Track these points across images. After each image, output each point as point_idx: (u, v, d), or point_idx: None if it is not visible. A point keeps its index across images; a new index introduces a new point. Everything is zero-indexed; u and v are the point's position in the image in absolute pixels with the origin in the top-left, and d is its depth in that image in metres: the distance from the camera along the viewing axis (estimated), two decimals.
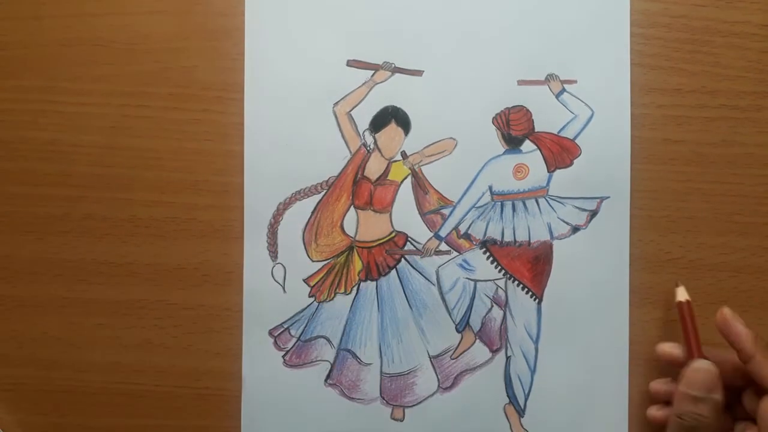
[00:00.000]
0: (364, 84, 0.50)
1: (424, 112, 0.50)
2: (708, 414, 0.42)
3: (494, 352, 0.50)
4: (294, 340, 0.51)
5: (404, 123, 0.50)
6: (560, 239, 0.50)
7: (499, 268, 0.50)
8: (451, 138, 0.50)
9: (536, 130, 0.50)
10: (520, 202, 0.50)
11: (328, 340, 0.51)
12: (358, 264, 0.51)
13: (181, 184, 0.51)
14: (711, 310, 0.50)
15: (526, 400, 0.50)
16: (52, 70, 0.50)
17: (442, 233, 0.50)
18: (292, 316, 0.51)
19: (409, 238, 0.51)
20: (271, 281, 0.50)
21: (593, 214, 0.50)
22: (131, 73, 0.50)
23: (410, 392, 0.50)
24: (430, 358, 0.51)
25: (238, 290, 0.50)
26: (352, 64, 0.50)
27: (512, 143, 0.50)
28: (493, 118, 0.50)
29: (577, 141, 0.50)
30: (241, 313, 0.50)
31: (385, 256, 0.51)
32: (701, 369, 0.43)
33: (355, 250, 0.51)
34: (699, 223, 0.50)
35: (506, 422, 0.50)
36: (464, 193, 0.50)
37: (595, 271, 0.50)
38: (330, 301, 0.51)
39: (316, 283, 0.51)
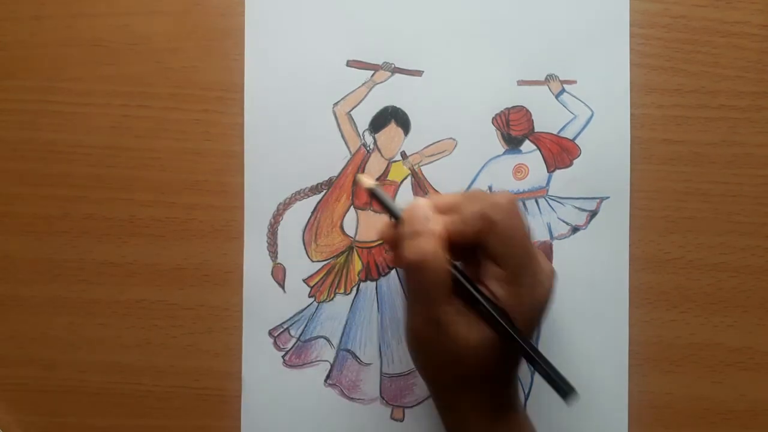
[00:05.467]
0: (363, 84, 0.50)
1: (423, 112, 0.50)
2: (430, 247, 0.38)
3: None
4: (294, 340, 0.51)
5: (404, 123, 0.50)
6: (560, 239, 0.50)
7: None
8: (450, 138, 0.50)
9: (536, 131, 0.50)
10: (519, 203, 0.50)
11: (328, 341, 0.51)
12: (357, 264, 0.51)
13: (181, 184, 0.51)
14: (711, 311, 0.50)
15: (525, 400, 0.50)
16: (52, 70, 0.51)
17: None
18: (292, 317, 0.51)
19: None
20: (271, 281, 0.50)
21: (593, 214, 0.50)
22: (131, 73, 0.51)
23: (410, 392, 0.50)
24: None
25: (238, 290, 0.50)
26: (352, 64, 0.50)
27: (512, 143, 0.50)
28: (493, 118, 0.50)
29: (576, 141, 0.50)
30: (240, 313, 0.50)
31: (385, 256, 0.51)
32: (415, 205, 0.40)
33: (354, 251, 0.51)
34: (699, 223, 0.50)
35: None
36: None
37: (595, 271, 0.50)
38: (330, 301, 0.51)
39: (316, 283, 0.51)
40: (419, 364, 0.43)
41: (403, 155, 0.50)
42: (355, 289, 0.51)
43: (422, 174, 0.50)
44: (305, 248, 0.50)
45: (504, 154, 0.50)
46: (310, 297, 0.51)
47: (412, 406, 0.50)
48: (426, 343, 0.40)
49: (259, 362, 0.50)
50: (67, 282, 0.51)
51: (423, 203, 0.41)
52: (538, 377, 0.50)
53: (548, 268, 0.42)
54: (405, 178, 0.51)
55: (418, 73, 0.50)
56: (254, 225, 0.50)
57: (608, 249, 0.50)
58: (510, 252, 0.39)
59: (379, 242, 0.51)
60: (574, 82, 0.50)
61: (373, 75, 0.50)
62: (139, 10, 0.50)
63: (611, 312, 0.50)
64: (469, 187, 0.50)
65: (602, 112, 0.50)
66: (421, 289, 0.39)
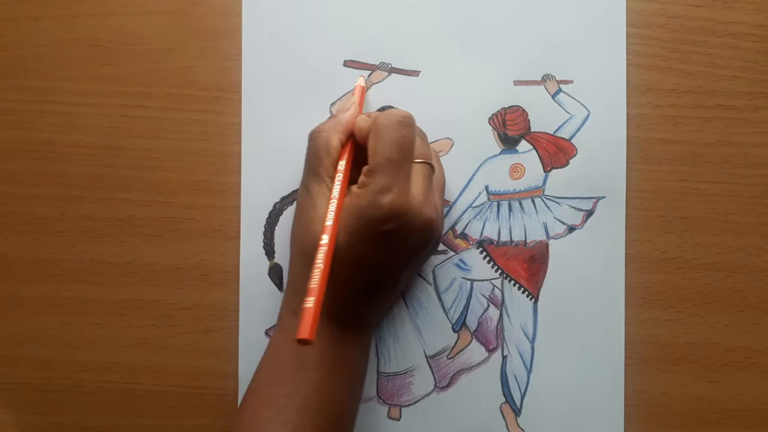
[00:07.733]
0: None
1: (420, 112, 0.50)
2: (328, 125, 0.46)
3: (491, 351, 0.50)
4: None
5: None
6: (556, 239, 0.50)
7: (496, 267, 0.50)
8: (447, 138, 0.50)
9: (532, 130, 0.50)
10: (516, 202, 0.50)
11: None
12: None
13: (179, 184, 0.51)
14: (707, 310, 0.50)
15: (522, 399, 0.50)
16: (49, 70, 0.51)
17: None
18: None
19: None
20: (268, 281, 0.50)
21: (589, 213, 0.50)
22: (129, 73, 0.51)
23: (407, 391, 0.51)
24: (426, 357, 0.51)
25: (235, 290, 0.50)
26: (349, 64, 0.50)
27: (508, 143, 0.50)
28: (490, 118, 0.50)
29: (573, 141, 0.50)
30: (237, 312, 0.50)
31: None
32: (349, 98, 0.49)
33: None
34: (695, 223, 0.50)
35: (502, 421, 0.50)
36: (460, 193, 0.50)
37: (591, 270, 0.50)
38: None
39: None
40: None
41: None
42: None
43: None
44: None
45: (500, 153, 0.50)
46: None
47: (408, 405, 0.50)
48: (298, 206, 0.46)
49: (255, 362, 0.50)
50: (64, 282, 0.51)
51: (355, 107, 0.47)
52: (534, 376, 0.50)
53: (412, 203, 0.42)
54: None
55: (414, 73, 0.50)
56: (251, 225, 0.50)
57: (604, 248, 0.50)
58: (374, 148, 0.42)
59: None
60: (571, 81, 0.50)
61: (370, 75, 0.50)
62: (136, 10, 0.51)
63: (607, 311, 0.50)
64: (466, 187, 0.50)
65: (599, 111, 0.50)
66: (309, 155, 0.45)
